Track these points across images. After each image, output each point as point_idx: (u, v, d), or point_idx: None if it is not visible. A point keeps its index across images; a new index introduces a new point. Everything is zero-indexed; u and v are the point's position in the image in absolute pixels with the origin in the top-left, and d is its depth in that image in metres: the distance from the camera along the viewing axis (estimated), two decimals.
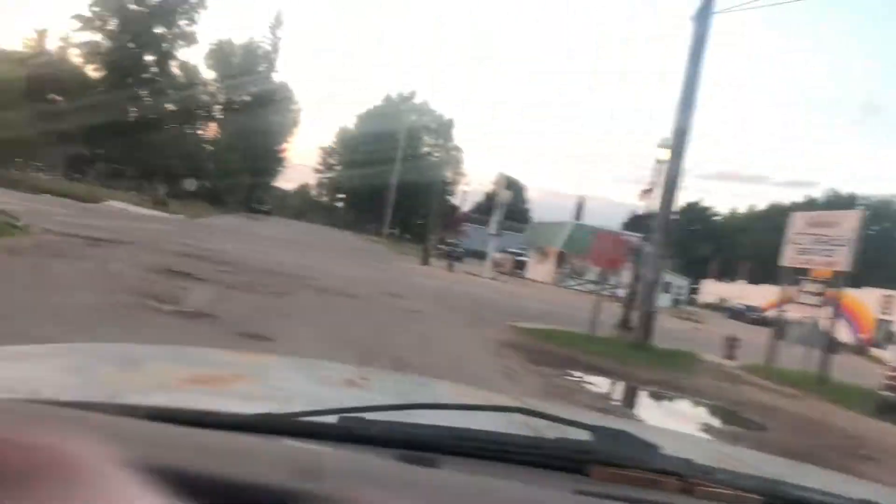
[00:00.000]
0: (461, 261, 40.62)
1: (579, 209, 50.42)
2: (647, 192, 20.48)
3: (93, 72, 50.50)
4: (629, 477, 0.90)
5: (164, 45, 52.14)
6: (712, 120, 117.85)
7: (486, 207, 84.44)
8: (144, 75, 51.07)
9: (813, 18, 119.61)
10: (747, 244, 78.56)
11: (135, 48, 50.59)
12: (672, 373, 12.40)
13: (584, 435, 0.96)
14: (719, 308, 57.35)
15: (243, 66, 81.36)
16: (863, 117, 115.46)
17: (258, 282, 13.32)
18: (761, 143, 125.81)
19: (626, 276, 47.27)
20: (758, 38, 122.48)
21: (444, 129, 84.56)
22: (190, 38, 52.89)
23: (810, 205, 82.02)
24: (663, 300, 49.97)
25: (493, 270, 38.71)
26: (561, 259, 46.74)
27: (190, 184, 38.30)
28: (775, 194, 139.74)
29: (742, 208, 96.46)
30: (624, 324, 17.95)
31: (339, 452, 0.80)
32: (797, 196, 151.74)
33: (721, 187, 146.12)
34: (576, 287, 45.24)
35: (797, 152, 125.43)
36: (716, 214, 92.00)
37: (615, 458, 0.91)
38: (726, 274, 65.89)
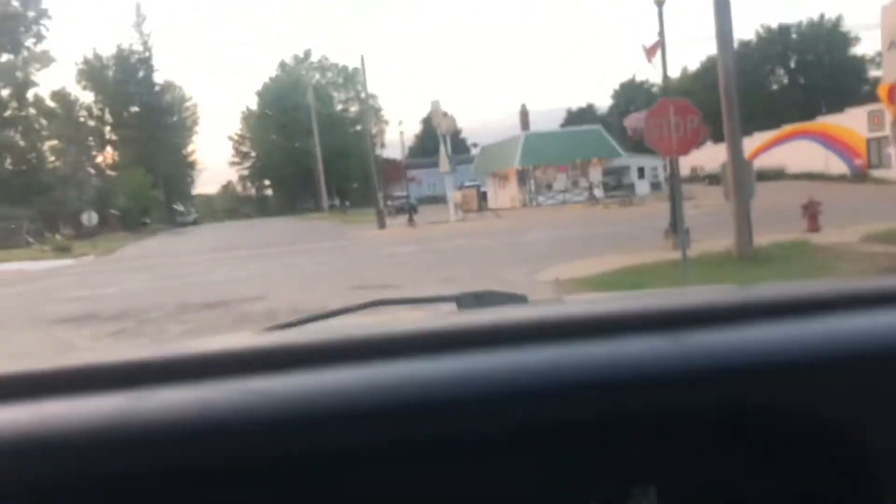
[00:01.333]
0: (416, 212, 35.74)
1: (524, 118, 45.57)
2: (653, 48, 15.57)
3: None
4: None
5: (17, 73, 45.11)
6: None
7: (421, 149, 79.59)
8: (5, 114, 44.21)
9: None
10: (698, 105, 74.93)
11: None
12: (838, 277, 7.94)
13: (450, 305, 1.00)
14: (696, 179, 53.62)
15: (121, 77, 74.06)
16: None
17: (165, 330, 8.51)
18: None
19: (594, 174, 43.10)
20: None
21: (351, 79, 78.25)
22: (44, 59, 45.88)
23: (746, 45, 78.69)
24: (641, 187, 45.97)
25: (459, 211, 33.98)
26: (522, 177, 42.14)
27: (89, 218, 32.39)
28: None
29: (673, 74, 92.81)
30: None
31: None
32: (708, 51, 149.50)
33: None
34: (549, 202, 40.85)
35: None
36: (652, 86, 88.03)
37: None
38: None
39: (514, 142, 42.34)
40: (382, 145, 75.87)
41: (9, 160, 41.06)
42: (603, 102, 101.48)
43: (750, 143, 55.18)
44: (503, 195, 43.19)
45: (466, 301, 0.99)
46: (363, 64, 39.57)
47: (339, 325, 1.06)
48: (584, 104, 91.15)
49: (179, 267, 19.18)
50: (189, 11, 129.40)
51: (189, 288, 13.41)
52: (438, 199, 57.53)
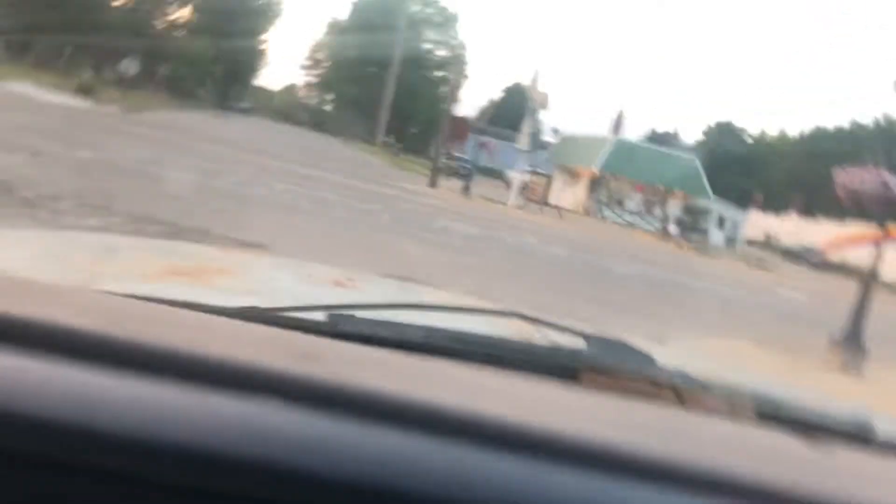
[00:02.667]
0: (471, 179, 31.88)
1: (618, 123, 41.51)
2: None
3: None
4: (622, 386, 0.86)
5: None
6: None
7: (495, 117, 75.51)
8: None
9: None
10: (787, 171, 69.99)
11: None
12: None
13: (578, 343, 0.94)
14: (767, 246, 49.29)
15: None
16: None
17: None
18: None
19: (673, 207, 39.04)
20: None
21: (448, 23, 74.06)
22: None
23: (861, 129, 73.35)
24: (716, 237, 41.87)
25: (521, 196, 30.22)
26: (596, 183, 38.17)
27: (128, 66, 29.00)
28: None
29: (772, 131, 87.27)
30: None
31: (336, 343, 0.78)
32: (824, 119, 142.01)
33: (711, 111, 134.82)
34: (615, 219, 36.90)
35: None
36: (749, 136, 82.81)
37: (609, 366, 0.88)
38: (770, 205, 57.48)
39: (601, 142, 38.32)
40: (458, 99, 71.75)
41: None
42: (689, 134, 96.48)
43: (818, 228, 50.73)
44: (567, 194, 39.28)
45: (597, 343, 0.92)
46: (456, 17, 35.35)
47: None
48: (671, 129, 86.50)
49: (190, 156, 15.69)
50: None
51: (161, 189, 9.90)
52: (493, 174, 53.77)
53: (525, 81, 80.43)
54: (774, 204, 61.61)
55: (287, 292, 1.29)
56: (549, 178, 29.88)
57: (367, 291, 1.56)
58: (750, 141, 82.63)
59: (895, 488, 0.81)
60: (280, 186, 13.22)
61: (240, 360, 0.54)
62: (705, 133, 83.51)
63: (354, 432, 0.52)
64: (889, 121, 71.95)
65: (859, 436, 0.88)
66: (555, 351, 0.93)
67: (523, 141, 29.06)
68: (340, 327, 0.84)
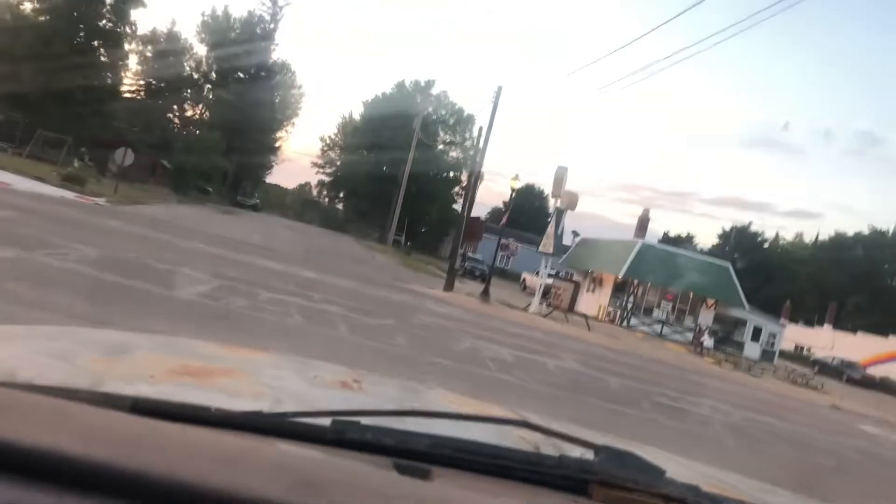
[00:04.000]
0: (488, 282, 29.24)
1: (642, 224, 39.23)
2: None
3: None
4: (633, 500, 0.84)
5: None
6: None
7: (502, 216, 73.64)
8: (99, 22, 39.94)
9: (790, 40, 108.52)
10: (810, 279, 67.19)
11: None
12: None
13: (587, 453, 0.92)
14: (798, 358, 46.08)
15: (240, 40, 70.74)
16: (861, 148, 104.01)
17: None
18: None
19: (705, 317, 36.22)
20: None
21: (463, 124, 73.34)
22: None
23: (881, 236, 71.04)
24: (751, 350, 38.86)
25: (544, 304, 27.58)
26: (621, 289, 35.56)
27: (121, 156, 26.89)
28: (778, 223, 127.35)
29: (787, 236, 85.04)
30: None
31: (335, 461, 0.77)
32: (800, 226, 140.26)
33: (721, 213, 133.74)
34: (643, 328, 34.04)
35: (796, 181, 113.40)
36: (765, 241, 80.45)
37: (619, 479, 0.86)
38: (800, 315, 54.49)
39: (626, 246, 35.94)
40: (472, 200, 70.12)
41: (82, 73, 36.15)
42: (704, 238, 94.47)
43: (854, 342, 47.59)
44: (590, 300, 36.67)
45: (607, 454, 0.90)
46: (472, 118, 33.57)
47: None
48: (685, 232, 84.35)
49: (166, 253, 13.21)
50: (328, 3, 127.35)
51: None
52: (507, 275, 51.43)
53: (535, 181, 79.27)
54: (801, 314, 58.67)
55: (292, 396, 1.28)
56: (576, 284, 27.20)
57: (373, 393, 1.53)
58: (765, 245, 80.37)
59: None
60: (266, 296, 10.60)
61: (240, 489, 0.52)
62: (720, 237, 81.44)
63: None
64: None
65: None
66: (563, 462, 0.88)
67: (548, 243, 26.63)
68: (345, 435, 0.83)
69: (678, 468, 1.14)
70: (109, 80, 40.94)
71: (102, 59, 39.38)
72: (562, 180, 26.84)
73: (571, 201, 26.24)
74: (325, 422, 0.85)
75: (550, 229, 27.16)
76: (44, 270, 8.20)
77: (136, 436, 0.59)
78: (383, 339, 9.86)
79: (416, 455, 0.82)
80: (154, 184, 40.44)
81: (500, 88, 27.69)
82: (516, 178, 27.47)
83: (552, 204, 26.89)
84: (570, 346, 17.11)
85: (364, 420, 0.87)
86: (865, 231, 73.95)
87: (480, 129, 27.17)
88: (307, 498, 0.51)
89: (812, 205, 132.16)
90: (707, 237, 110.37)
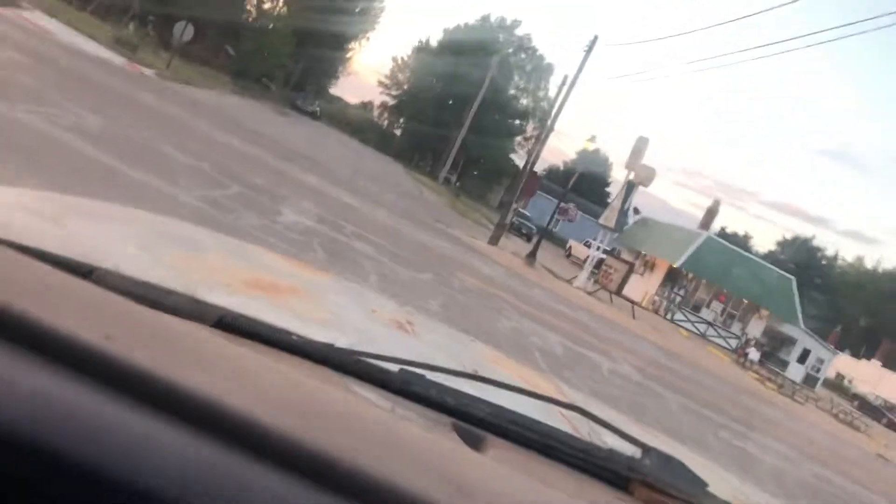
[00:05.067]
0: (537, 243, 27.33)
1: (709, 216, 36.68)
2: None
3: None
4: None
5: None
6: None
7: (561, 176, 70.82)
8: None
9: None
10: (865, 305, 63.61)
11: None
12: None
13: (635, 451, 0.93)
14: (838, 387, 43.55)
15: None
16: None
17: None
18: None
19: (755, 328, 33.88)
20: None
21: (540, 73, 70.15)
22: None
23: None
24: (794, 371, 36.54)
25: (591, 279, 25.58)
26: (674, 279, 33.31)
27: (180, 29, 25.09)
28: (832, 240, 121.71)
29: (848, 258, 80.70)
30: None
31: (401, 414, 0.81)
32: (854, 248, 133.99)
33: (777, 218, 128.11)
34: (686, 325, 31.87)
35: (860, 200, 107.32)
36: (824, 258, 76.41)
37: (662, 483, 0.86)
38: (847, 343, 51.56)
39: (688, 235, 33.51)
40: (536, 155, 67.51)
41: None
42: (758, 241, 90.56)
43: None
44: (637, 284, 34.40)
45: (654, 457, 0.90)
46: (551, 68, 30.77)
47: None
48: (740, 231, 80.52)
49: (201, 143, 11.47)
50: None
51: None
52: (553, 239, 49.10)
53: (598, 146, 75.91)
54: (848, 341, 55.61)
55: (355, 330, 1.34)
56: (630, 265, 25.09)
57: (426, 340, 1.57)
58: (823, 262, 76.51)
59: None
60: (288, 217, 8.82)
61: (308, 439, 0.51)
62: (779, 244, 77.69)
63: None
64: None
65: None
66: (614, 456, 0.89)
67: (610, 216, 24.46)
68: (411, 387, 0.86)
69: (719, 482, 1.11)
70: None
71: None
72: (640, 152, 24.50)
73: (647, 176, 23.94)
74: (393, 368, 0.87)
75: (616, 202, 24.98)
76: (10, 130, 6.46)
77: (222, 356, 0.60)
78: (416, 298, 8.06)
79: (474, 420, 0.84)
80: (215, 68, 38.72)
81: (595, 38, 25.24)
82: (592, 139, 25.66)
83: (624, 176, 24.49)
84: (619, 340, 15.17)
85: (429, 375, 0.89)
86: None
87: (565, 77, 24.82)
88: (370, 459, 0.51)
89: (871, 229, 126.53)
90: (761, 241, 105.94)
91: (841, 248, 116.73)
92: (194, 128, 13.80)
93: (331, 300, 1.55)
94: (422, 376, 0.88)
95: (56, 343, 0.48)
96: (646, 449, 0.92)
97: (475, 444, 0.77)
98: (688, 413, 9.88)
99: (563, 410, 1.09)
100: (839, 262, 78.94)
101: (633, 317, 23.66)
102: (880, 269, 75.12)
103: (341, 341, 0.93)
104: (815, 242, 76.46)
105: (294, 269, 1.81)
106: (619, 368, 10.49)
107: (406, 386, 0.86)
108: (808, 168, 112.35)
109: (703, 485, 0.91)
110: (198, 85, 26.68)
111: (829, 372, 42.88)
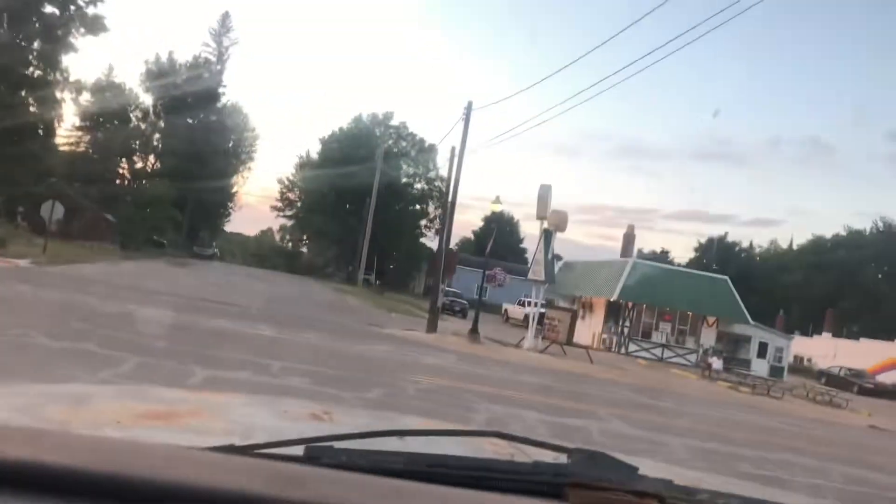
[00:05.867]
0: (475, 318, 26.42)
1: (628, 242, 36.76)
2: None
3: None
4: (608, 499, 0.84)
5: (57, 31, 37.87)
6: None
7: (476, 247, 70.91)
8: (27, 70, 36.73)
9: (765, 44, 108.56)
10: (797, 287, 65.18)
11: (13, 34, 36.30)
12: None
13: (560, 458, 0.94)
14: (801, 370, 43.68)
15: (187, 86, 67.76)
16: (809, 154, 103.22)
17: None
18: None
19: (707, 336, 33.58)
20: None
21: (426, 154, 70.68)
22: (94, 24, 38.56)
23: (860, 234, 69.68)
24: (759, 367, 36.28)
25: (539, 337, 24.73)
26: (615, 313, 32.86)
27: (48, 210, 23.64)
28: (742, 233, 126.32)
29: (761, 243, 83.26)
30: None
31: (315, 469, 0.79)
32: (764, 234, 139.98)
33: (685, 227, 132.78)
34: (643, 354, 31.28)
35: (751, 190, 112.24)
36: (742, 251, 78.60)
37: (593, 479, 0.85)
38: (792, 325, 52.17)
39: (616, 266, 33.33)
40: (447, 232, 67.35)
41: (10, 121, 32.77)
42: (678, 252, 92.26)
43: (858, 349, 45.54)
44: (582, 329, 33.84)
45: (579, 457, 0.92)
46: (435, 148, 30.68)
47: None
48: (657, 248, 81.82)
49: (87, 320, 10.12)
50: (277, 37, 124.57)
51: None
52: (486, 307, 48.33)
53: (503, 208, 76.51)
54: (793, 323, 56.46)
55: (263, 429, 1.28)
56: (573, 312, 24.38)
57: (344, 423, 1.55)
58: (743, 255, 78.50)
59: None
60: (201, 375, 7.61)
61: (226, 489, 0.54)
62: (697, 250, 79.39)
63: None
64: (887, 223, 68.41)
65: None
66: (538, 468, 0.88)
67: (538, 270, 23.84)
68: (319, 460, 0.83)
69: (650, 468, 1.13)
70: (41, 133, 37.56)
71: (31, 108, 36.01)
72: (546, 199, 24.13)
73: (561, 220, 23.54)
74: (299, 450, 0.84)
75: (539, 254, 24.39)
76: None
77: (109, 450, 0.60)
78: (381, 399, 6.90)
79: (392, 473, 0.81)
80: (98, 239, 37.01)
81: (470, 104, 25.09)
82: (497, 200, 24.76)
83: (537, 227, 24.07)
84: (592, 393, 14.20)
85: (337, 444, 0.87)
86: (843, 232, 72.72)
87: (453, 148, 24.37)
88: (298, 493, 0.52)
89: (773, 213, 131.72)
90: (678, 252, 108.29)
91: (753, 237, 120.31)
92: (75, 305, 12.43)
93: (237, 412, 1.48)
94: (330, 447, 0.85)
95: None
96: (570, 452, 0.91)
97: (397, 497, 0.73)
98: (706, 457, 8.90)
99: (488, 441, 1.06)
100: (756, 250, 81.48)
101: (591, 362, 22.82)
102: (795, 246, 77.83)
103: (245, 441, 0.88)
104: (728, 239, 78.74)
105: (197, 396, 1.74)
106: (608, 427, 9.48)
107: (313, 462, 0.82)
108: (692, 173, 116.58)
109: (634, 469, 0.89)
110: (83, 261, 25.07)
111: (789, 358, 43.11)
